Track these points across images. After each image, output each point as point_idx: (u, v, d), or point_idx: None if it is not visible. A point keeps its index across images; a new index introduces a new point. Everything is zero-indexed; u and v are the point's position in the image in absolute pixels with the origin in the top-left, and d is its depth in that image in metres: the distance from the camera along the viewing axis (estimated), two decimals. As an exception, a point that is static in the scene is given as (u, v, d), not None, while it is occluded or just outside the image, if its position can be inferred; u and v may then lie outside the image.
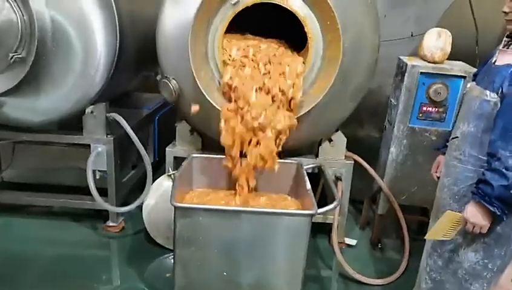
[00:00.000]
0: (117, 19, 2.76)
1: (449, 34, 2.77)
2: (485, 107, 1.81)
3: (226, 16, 2.43)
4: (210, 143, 2.98)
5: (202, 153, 2.85)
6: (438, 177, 2.21)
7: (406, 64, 2.82)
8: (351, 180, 3.05)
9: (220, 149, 2.60)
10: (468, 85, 2.02)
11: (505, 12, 1.80)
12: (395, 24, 4.70)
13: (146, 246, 3.06)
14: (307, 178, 2.49)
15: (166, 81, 2.63)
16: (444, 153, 2.16)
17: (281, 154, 2.57)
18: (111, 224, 3.21)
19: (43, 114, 2.80)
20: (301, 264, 2.20)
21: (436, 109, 2.83)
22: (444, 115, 2.83)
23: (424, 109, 2.84)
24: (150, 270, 2.86)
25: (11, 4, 2.48)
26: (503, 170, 1.65)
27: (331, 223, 2.94)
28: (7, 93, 2.61)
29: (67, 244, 3.10)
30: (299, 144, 2.88)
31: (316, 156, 3.02)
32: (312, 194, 2.31)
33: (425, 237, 2.11)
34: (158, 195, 2.93)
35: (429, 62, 2.80)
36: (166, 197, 2.79)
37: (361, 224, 3.51)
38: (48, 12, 2.56)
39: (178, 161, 2.90)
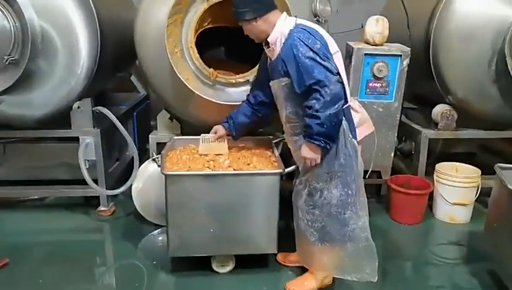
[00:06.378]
0: (97, 23, 3.09)
1: (386, 20, 3.25)
2: (286, 89, 2.35)
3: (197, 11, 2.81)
4: (188, 128, 3.37)
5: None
6: None
7: (353, 48, 3.29)
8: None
9: (197, 132, 2.95)
10: (270, 83, 2.49)
11: None
12: (347, 18, 5.22)
13: (137, 226, 3.32)
14: (275, 148, 2.91)
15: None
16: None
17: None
18: (102, 208, 3.48)
19: (37, 109, 3.08)
20: (275, 216, 2.58)
21: (380, 84, 3.31)
22: (387, 88, 3.29)
23: (370, 85, 3.32)
24: (144, 244, 3.13)
25: (3, 12, 2.78)
26: (314, 113, 2.17)
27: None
28: (4, 92, 2.88)
29: (63, 232, 3.32)
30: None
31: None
32: (280, 159, 2.72)
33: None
34: (145, 178, 3.23)
35: (371, 45, 3.28)
36: (152, 179, 3.15)
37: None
38: (37, 20, 2.87)
39: (160, 147, 3.21)
